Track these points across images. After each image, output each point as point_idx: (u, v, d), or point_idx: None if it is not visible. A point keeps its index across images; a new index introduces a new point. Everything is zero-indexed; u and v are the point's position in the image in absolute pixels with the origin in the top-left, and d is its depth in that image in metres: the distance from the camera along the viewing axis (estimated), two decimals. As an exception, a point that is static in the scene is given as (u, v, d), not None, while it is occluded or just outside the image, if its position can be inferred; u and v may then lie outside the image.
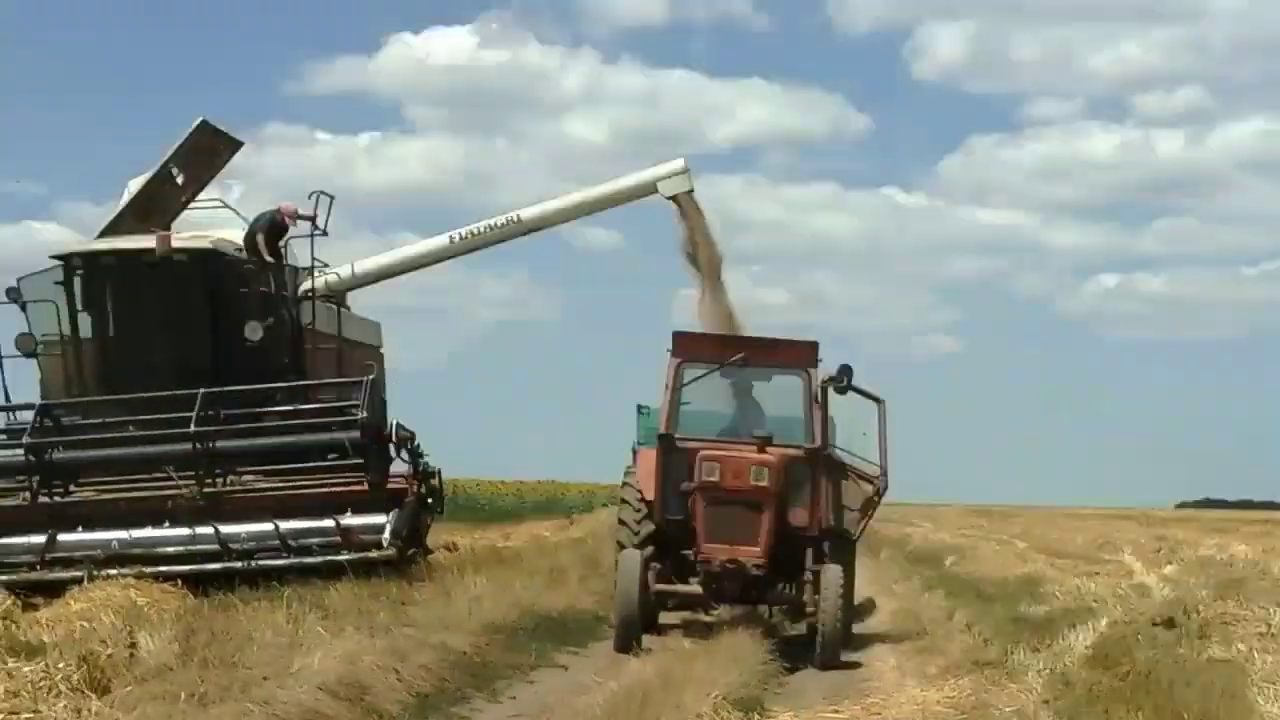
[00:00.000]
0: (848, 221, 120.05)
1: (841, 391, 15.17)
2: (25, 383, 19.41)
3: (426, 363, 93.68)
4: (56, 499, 16.87)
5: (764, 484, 14.23)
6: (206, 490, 16.49)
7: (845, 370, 15.09)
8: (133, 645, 9.86)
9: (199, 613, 12.56)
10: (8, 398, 18.66)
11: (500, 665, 12.35)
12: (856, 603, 19.23)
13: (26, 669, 8.80)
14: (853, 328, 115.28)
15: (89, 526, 16.74)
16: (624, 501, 15.72)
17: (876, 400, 15.59)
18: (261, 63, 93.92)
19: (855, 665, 13.79)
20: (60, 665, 8.89)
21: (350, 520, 16.47)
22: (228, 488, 16.84)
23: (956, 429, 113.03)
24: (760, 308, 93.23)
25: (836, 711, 10.85)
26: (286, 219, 19.68)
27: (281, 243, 19.73)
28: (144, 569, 15.80)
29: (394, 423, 17.38)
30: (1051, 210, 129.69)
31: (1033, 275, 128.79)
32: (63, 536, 16.61)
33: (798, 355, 15.37)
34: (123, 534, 16.57)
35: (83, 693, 8.28)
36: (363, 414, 16.46)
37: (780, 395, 15.78)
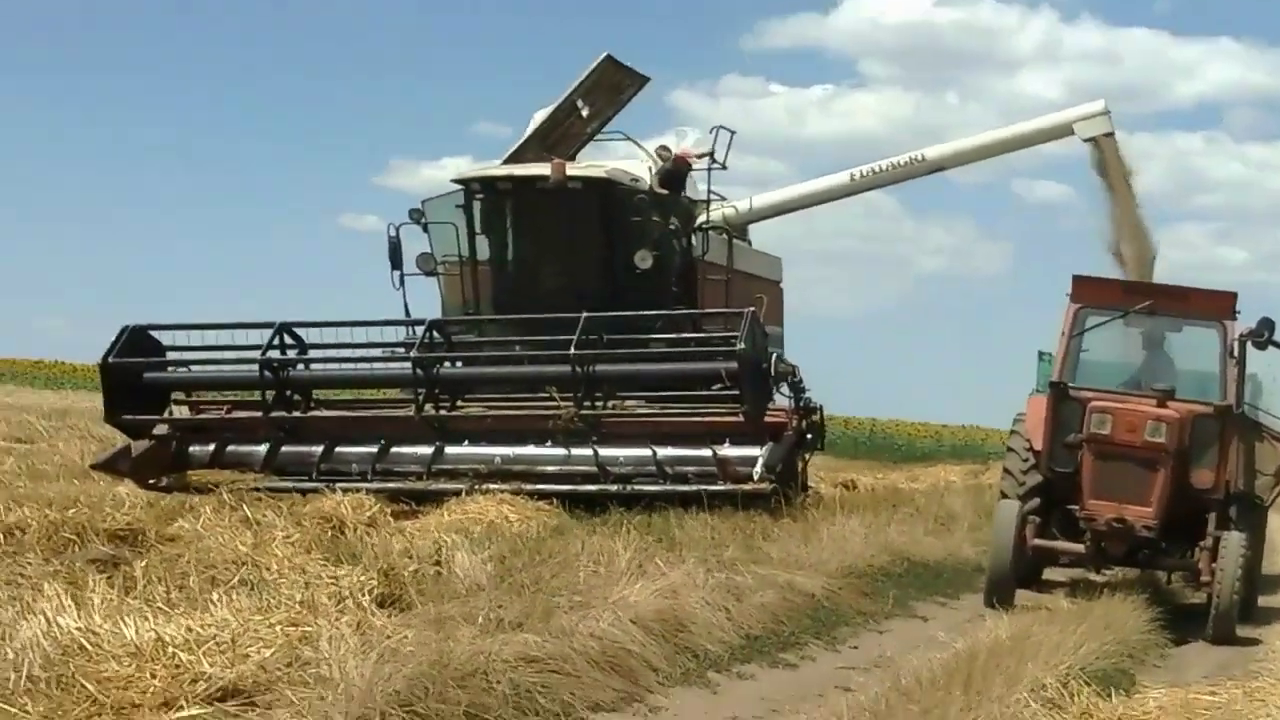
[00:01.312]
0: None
1: (1261, 346, 13.72)
2: (431, 301, 19.96)
3: (872, 306, 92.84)
4: (443, 412, 17.01)
5: (1160, 440, 12.99)
6: (584, 412, 16.29)
7: (1266, 324, 13.63)
8: (438, 563, 9.61)
9: (523, 536, 12.25)
10: (408, 314, 19.02)
11: (850, 612, 11.63)
12: (1274, 573, 17.68)
13: (328, 577, 8.63)
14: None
15: (474, 441, 16.81)
16: (1010, 450, 14.79)
17: (1301, 357, 14.12)
18: (720, 18, 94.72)
19: (1252, 642, 12.37)
20: (362, 578, 8.68)
21: (727, 451, 15.99)
22: (606, 411, 16.62)
23: None
24: (1218, 265, 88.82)
25: (1213, 693, 9.64)
26: (681, 162, 19.77)
27: (684, 185, 19.93)
28: (523, 485, 15.82)
29: (774, 355, 16.86)
30: None
31: None
32: (449, 449, 16.72)
33: (1213, 305, 14.03)
34: (505, 450, 16.55)
35: (369, 610, 7.99)
36: (740, 345, 15.90)
37: (1195, 349, 14.51)
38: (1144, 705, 9.00)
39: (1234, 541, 12.76)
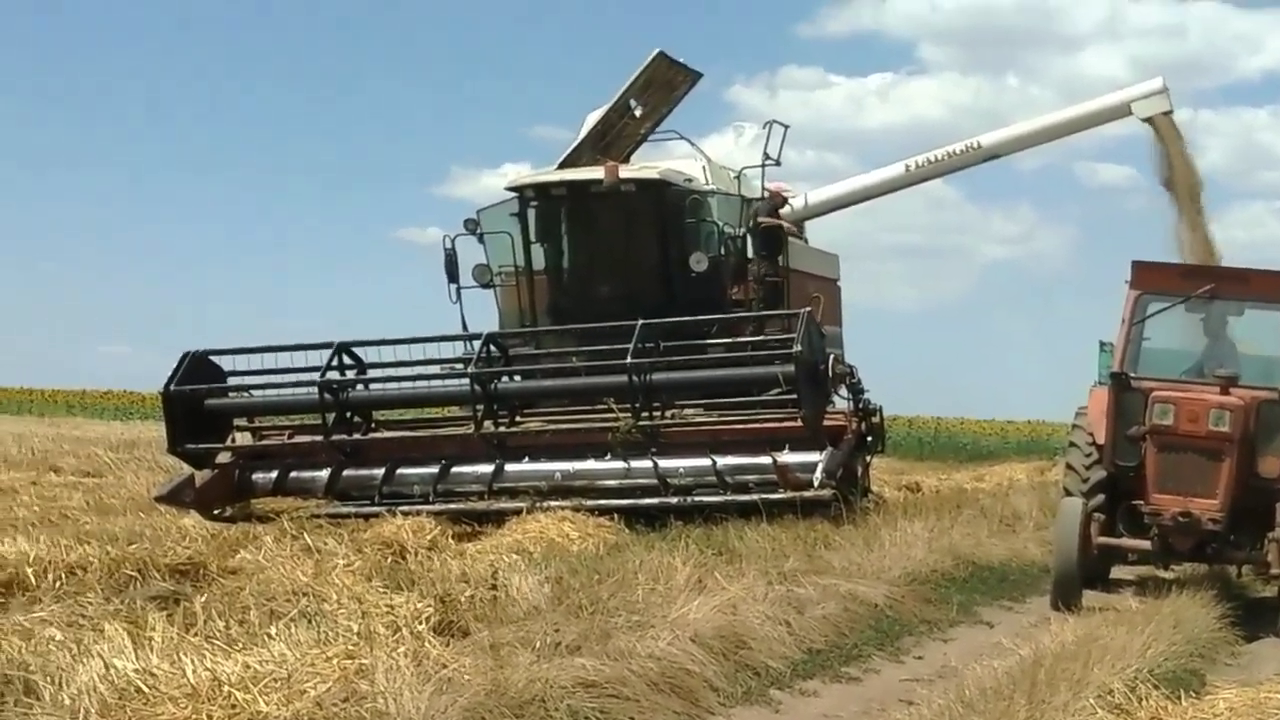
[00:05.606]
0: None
1: (1322, 327, 13.51)
2: (490, 313, 20.04)
3: (934, 301, 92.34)
4: (502, 429, 16.99)
5: (1224, 429, 12.78)
6: (642, 423, 16.23)
7: None
8: (494, 586, 9.59)
9: (582, 555, 12.23)
10: (465, 328, 19.02)
11: (914, 620, 11.49)
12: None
13: (385, 606, 8.64)
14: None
15: (534, 457, 16.79)
16: (1073, 445, 14.60)
17: (1370, 335, 13.90)
18: (779, 6, 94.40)
19: (1326, 635, 12.21)
20: (419, 605, 8.68)
21: (786, 458, 15.87)
22: (664, 421, 16.56)
23: None
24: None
25: (1284, 691, 9.49)
26: (777, 198, 20.01)
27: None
28: (583, 501, 15.79)
29: (832, 357, 16.73)
30: None
31: None
32: (509, 467, 16.72)
33: (1275, 287, 13.78)
34: (565, 465, 16.52)
35: (426, 638, 7.98)
36: (797, 348, 15.79)
37: (1259, 332, 14.28)
38: (1214, 707, 8.82)
39: (1301, 531, 12.55)
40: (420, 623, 8.39)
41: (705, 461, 16.10)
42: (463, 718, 6.91)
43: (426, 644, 7.89)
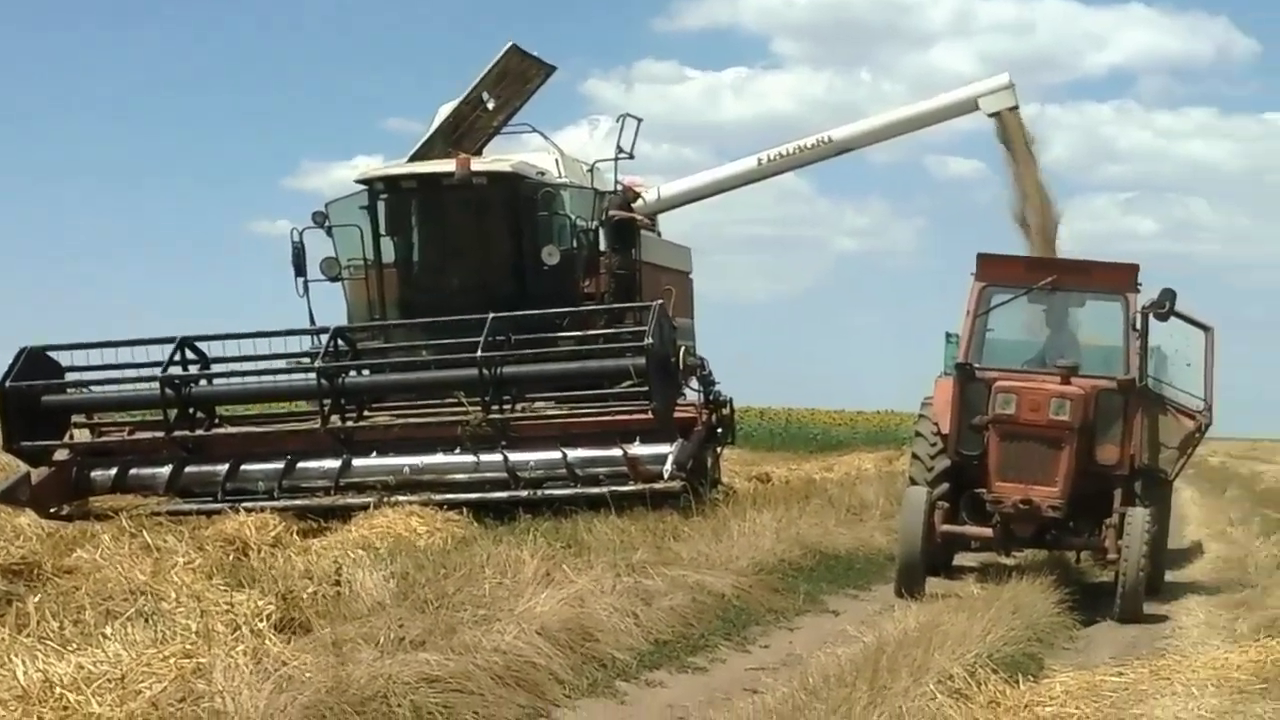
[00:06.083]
0: (1226, 148, 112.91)
1: (1163, 318, 13.80)
2: (338, 307, 19.74)
3: (786, 293, 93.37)
4: (349, 424, 16.81)
5: (1064, 418, 13.05)
6: (491, 416, 16.16)
7: (1168, 295, 13.70)
8: (338, 582, 9.49)
9: (430, 549, 12.16)
10: (313, 322, 18.75)
11: (760, 610, 11.59)
12: (1183, 546, 17.92)
13: (225, 604, 8.49)
14: (1229, 258, 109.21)
15: (382, 452, 16.65)
16: (918, 435, 14.80)
17: (1203, 328, 14.24)
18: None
19: (1160, 619, 12.51)
20: (260, 602, 8.55)
21: (637, 450, 15.91)
22: (515, 414, 16.50)
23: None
24: (1128, 235, 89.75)
25: (1120, 673, 9.68)
26: (630, 192, 20.10)
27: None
28: (432, 496, 15.68)
29: (683, 349, 16.81)
30: None
31: None
32: (356, 462, 16.56)
33: (1115, 279, 14.10)
34: (414, 460, 16.42)
35: (267, 636, 7.85)
36: (648, 340, 15.82)
37: (1099, 323, 14.59)
38: (1051, 690, 8.99)
39: (1139, 518, 12.84)
40: (261, 620, 8.24)
41: (555, 454, 16.12)
42: (303, 715, 6.81)
43: (267, 642, 7.75)
